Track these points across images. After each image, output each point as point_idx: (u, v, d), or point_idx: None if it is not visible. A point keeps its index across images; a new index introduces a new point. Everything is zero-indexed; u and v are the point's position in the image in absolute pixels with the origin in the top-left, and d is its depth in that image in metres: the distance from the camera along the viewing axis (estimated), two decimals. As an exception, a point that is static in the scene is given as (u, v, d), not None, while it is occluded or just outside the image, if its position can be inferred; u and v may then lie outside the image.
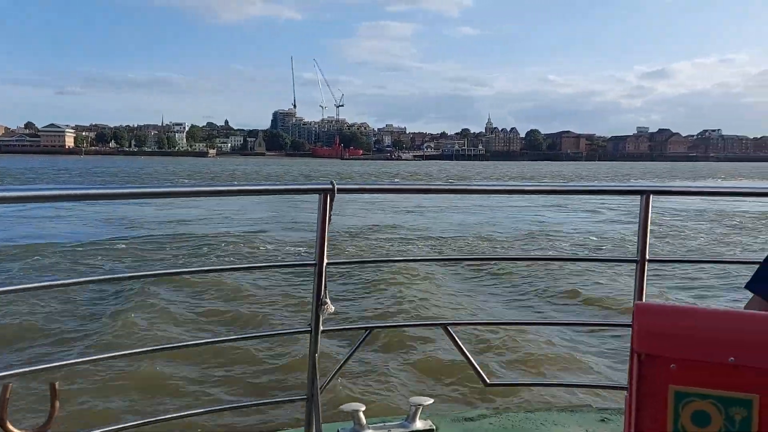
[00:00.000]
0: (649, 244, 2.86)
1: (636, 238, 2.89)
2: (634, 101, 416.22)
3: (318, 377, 2.69)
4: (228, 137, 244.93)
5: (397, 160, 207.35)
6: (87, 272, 12.54)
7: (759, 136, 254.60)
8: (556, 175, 78.99)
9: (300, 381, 5.89)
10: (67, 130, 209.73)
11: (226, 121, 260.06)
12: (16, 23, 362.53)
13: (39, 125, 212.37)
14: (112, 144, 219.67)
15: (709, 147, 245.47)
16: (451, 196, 26.93)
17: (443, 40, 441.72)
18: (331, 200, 2.62)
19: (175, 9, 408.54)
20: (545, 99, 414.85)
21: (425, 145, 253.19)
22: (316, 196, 2.64)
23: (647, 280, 2.86)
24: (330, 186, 2.58)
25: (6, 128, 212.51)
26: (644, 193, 2.84)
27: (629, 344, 1.20)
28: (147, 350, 3.60)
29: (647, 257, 2.85)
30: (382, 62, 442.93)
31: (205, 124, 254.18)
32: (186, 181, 54.71)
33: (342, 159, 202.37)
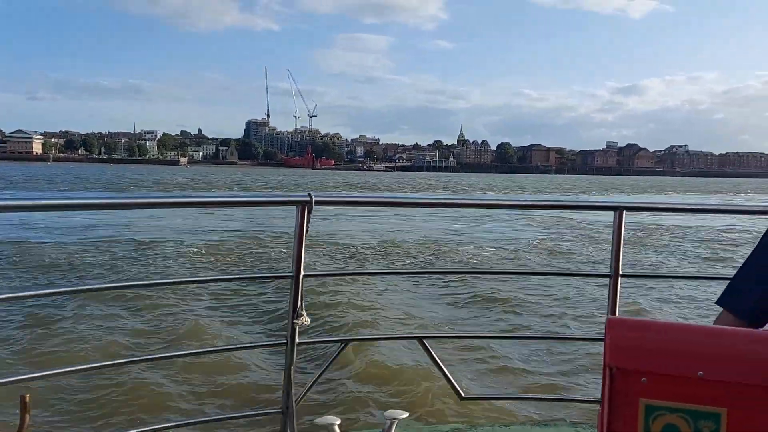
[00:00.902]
0: (623, 258, 2.92)
1: (610, 252, 2.95)
2: (606, 116, 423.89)
3: (293, 390, 2.68)
4: (200, 146, 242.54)
5: (369, 170, 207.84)
6: (53, 283, 12.24)
7: (724, 153, 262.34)
8: (500, 188, 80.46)
9: (275, 394, 5.84)
10: (35, 136, 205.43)
11: (200, 130, 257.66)
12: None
13: (7, 131, 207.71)
14: (81, 151, 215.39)
15: (675, 162, 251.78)
16: (426, 209, 27.04)
17: (419, 52, 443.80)
18: (309, 212, 2.63)
19: (151, 17, 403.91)
20: (519, 112, 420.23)
21: (397, 156, 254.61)
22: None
23: (620, 294, 2.91)
24: (307, 198, 2.59)
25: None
26: (617, 209, 2.88)
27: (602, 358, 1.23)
28: (118, 362, 3.55)
29: (620, 272, 2.90)
30: (358, 74, 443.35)
31: (178, 133, 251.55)
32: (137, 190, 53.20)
33: (314, 169, 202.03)
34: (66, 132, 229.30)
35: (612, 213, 2.91)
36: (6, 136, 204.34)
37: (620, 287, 2.91)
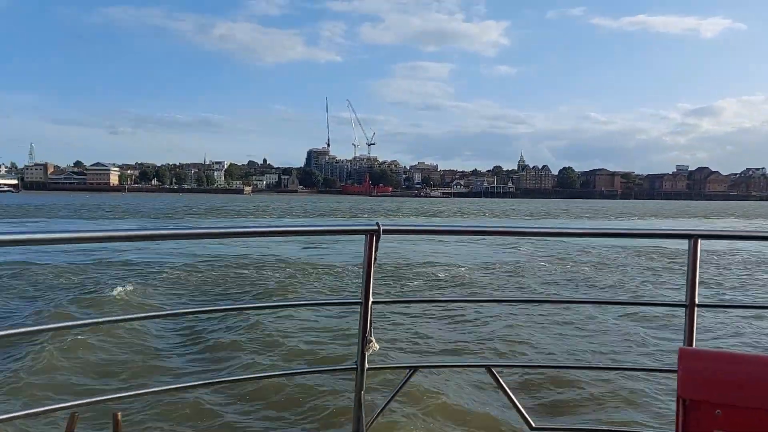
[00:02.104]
0: (698, 288, 2.84)
1: (685, 282, 2.88)
2: (678, 139, 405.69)
3: (364, 414, 2.74)
4: (264, 174, 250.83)
5: (426, 197, 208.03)
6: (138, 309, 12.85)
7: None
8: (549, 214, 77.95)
9: (346, 418, 5.90)
10: (112, 168, 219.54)
11: (265, 160, 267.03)
12: (71, 68, 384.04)
13: (87, 164, 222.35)
14: (154, 182, 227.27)
15: (750, 185, 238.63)
16: (490, 237, 26.75)
17: (480, 78, 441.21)
18: (377, 240, 2.71)
19: (222, 53, 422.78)
20: (585, 136, 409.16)
21: (455, 182, 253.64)
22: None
23: (696, 324, 2.84)
24: (375, 227, 2.67)
25: (56, 166, 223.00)
26: (692, 237, 2.82)
27: (676, 389, 1.22)
28: (190, 385, 3.72)
29: (696, 302, 2.83)
30: (418, 101, 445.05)
31: (246, 162, 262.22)
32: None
33: (371, 196, 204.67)
34: (141, 164, 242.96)
35: (686, 241, 2.85)
36: (86, 169, 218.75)
37: (696, 317, 2.83)
